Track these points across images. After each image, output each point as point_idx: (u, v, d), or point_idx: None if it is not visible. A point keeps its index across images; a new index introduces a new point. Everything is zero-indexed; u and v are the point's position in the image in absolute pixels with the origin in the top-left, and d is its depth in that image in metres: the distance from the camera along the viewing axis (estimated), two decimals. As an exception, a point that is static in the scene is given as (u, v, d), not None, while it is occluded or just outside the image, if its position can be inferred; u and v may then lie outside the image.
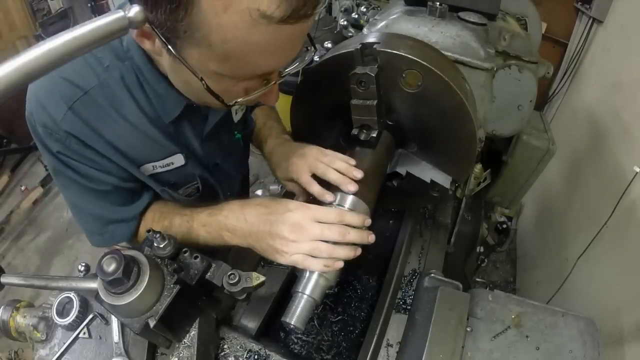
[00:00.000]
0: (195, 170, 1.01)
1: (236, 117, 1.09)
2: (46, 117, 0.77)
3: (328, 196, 0.82)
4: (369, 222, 0.79)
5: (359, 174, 0.82)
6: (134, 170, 0.90)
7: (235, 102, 0.72)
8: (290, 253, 0.74)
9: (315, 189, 0.84)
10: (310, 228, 0.74)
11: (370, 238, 0.77)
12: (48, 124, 0.77)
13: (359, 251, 0.76)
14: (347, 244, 0.75)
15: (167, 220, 0.92)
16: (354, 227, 0.76)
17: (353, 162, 0.85)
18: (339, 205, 0.79)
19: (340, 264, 0.74)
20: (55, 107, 0.76)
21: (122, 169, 0.88)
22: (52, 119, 0.76)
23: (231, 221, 0.81)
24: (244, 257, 1.00)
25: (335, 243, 0.74)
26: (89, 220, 0.93)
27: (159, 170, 0.95)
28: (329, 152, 0.88)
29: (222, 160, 1.11)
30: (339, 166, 0.84)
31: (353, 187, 0.81)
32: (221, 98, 0.69)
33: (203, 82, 0.65)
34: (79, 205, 0.91)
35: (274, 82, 0.73)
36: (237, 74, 0.67)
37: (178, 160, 0.96)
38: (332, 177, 0.83)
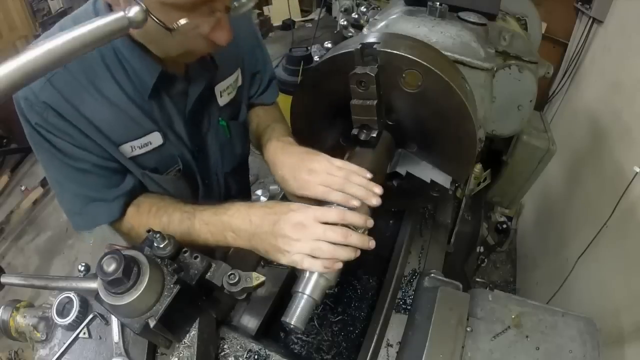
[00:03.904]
0: (175, 152, 1.01)
1: (221, 101, 1.08)
2: (27, 89, 0.79)
3: (355, 201, 0.79)
4: (371, 222, 0.78)
5: (378, 190, 0.80)
6: (113, 150, 0.90)
7: (179, 25, 0.70)
8: (292, 252, 0.74)
9: (338, 197, 0.80)
10: (312, 227, 0.73)
11: (371, 244, 0.76)
12: (29, 95, 0.80)
13: (358, 253, 0.75)
14: (347, 245, 0.74)
15: (165, 216, 0.91)
16: (355, 227, 0.76)
17: (369, 174, 0.82)
18: (339, 205, 0.79)
19: (340, 265, 0.73)
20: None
21: (101, 147, 0.88)
22: (32, 90, 0.79)
23: (237, 222, 0.81)
24: (244, 257, 1.00)
25: (336, 244, 0.73)
26: (70, 199, 0.93)
27: (138, 151, 0.95)
28: (340, 162, 0.83)
29: (205, 147, 1.11)
30: (358, 181, 0.81)
31: (376, 201, 0.79)
32: (163, 23, 0.69)
33: (146, 10, 0.59)
34: (59, 181, 0.91)
35: (219, 11, 0.74)
36: (178, 1, 0.68)
37: (156, 139, 0.96)
38: (357, 193, 0.79)
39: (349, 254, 0.74)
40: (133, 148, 0.93)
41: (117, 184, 0.94)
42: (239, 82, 1.14)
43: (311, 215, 0.75)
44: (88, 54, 0.79)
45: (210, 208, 0.87)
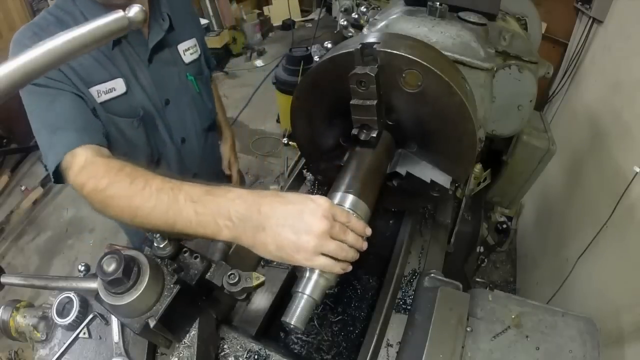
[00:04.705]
0: (138, 103, 1.18)
1: (186, 58, 1.32)
2: (18, 35, 1.04)
3: None
4: (369, 231, 0.72)
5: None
6: (85, 91, 1.07)
7: None
8: (316, 252, 0.63)
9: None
10: (334, 225, 0.64)
11: (364, 245, 0.72)
12: (22, 40, 1.04)
13: (357, 255, 0.71)
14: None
15: (141, 179, 0.75)
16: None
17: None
18: (339, 204, 0.79)
19: (350, 268, 0.68)
20: (24, 30, 1.05)
21: (76, 87, 1.04)
22: (18, 38, 1.04)
23: (239, 208, 0.65)
24: (243, 257, 1.00)
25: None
26: (43, 132, 0.99)
27: (104, 97, 1.11)
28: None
29: (175, 100, 1.28)
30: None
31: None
32: None
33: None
34: (36, 114, 1.02)
35: None
36: None
37: (119, 86, 1.13)
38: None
39: (354, 254, 0.69)
40: (99, 93, 1.10)
41: (86, 116, 1.05)
42: (199, 51, 1.38)
43: (332, 210, 0.66)
44: (59, 13, 1.08)
45: (201, 186, 0.71)
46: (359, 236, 0.71)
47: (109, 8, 1.07)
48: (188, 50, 1.32)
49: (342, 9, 2.09)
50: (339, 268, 0.66)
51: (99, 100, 1.11)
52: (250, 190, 0.69)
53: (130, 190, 0.74)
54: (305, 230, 0.63)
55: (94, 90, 1.09)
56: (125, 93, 1.15)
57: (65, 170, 0.92)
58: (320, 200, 0.66)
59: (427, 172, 0.90)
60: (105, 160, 0.86)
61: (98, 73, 1.09)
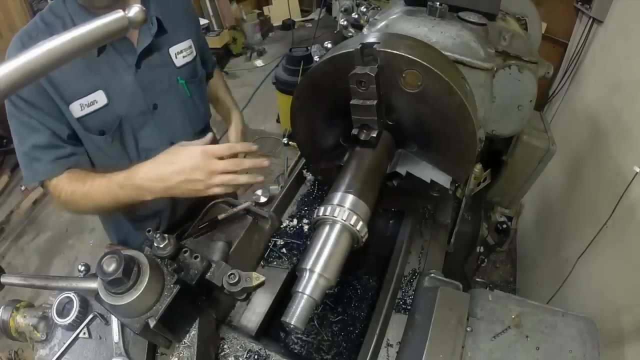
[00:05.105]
0: (119, 112, 1.17)
1: (177, 62, 1.28)
2: (10, 46, 1.05)
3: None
4: (255, 147, 1.05)
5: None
6: (64, 108, 1.08)
7: None
8: (209, 188, 0.95)
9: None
10: (215, 166, 0.94)
11: (265, 163, 1.00)
12: (8, 53, 1.05)
13: (260, 178, 1.02)
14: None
15: (88, 182, 1.06)
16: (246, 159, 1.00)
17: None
18: (339, 204, 0.79)
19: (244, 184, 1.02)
20: (15, 40, 1.06)
21: (55, 106, 1.07)
22: (9, 50, 1.05)
23: (147, 184, 0.97)
24: (244, 257, 1.00)
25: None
26: (21, 156, 1.10)
27: (87, 111, 1.11)
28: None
29: (164, 104, 1.26)
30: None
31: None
32: None
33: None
34: (17, 138, 1.08)
35: None
36: None
37: (101, 98, 1.13)
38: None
39: (248, 179, 0.99)
40: (82, 106, 1.10)
41: (60, 149, 1.09)
42: (194, 53, 1.34)
43: (209, 154, 0.94)
44: (50, 18, 1.07)
45: (124, 172, 1.01)
46: (254, 159, 1.00)
47: (93, 11, 1.06)
48: (181, 53, 1.29)
49: (342, 9, 2.09)
50: (231, 190, 0.97)
51: (81, 113, 1.10)
52: (150, 163, 0.98)
53: (85, 189, 1.06)
54: (195, 180, 0.94)
55: (76, 105, 1.09)
56: (107, 105, 1.14)
57: (43, 184, 1.14)
58: (199, 155, 0.94)
59: (427, 172, 0.90)
60: (67, 174, 1.10)
61: (79, 86, 1.08)
